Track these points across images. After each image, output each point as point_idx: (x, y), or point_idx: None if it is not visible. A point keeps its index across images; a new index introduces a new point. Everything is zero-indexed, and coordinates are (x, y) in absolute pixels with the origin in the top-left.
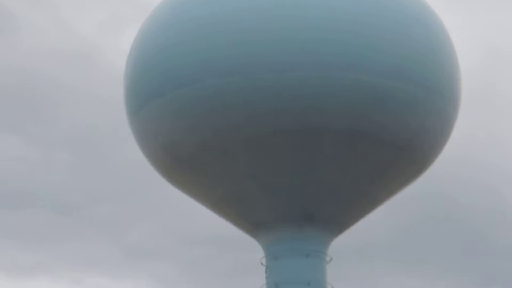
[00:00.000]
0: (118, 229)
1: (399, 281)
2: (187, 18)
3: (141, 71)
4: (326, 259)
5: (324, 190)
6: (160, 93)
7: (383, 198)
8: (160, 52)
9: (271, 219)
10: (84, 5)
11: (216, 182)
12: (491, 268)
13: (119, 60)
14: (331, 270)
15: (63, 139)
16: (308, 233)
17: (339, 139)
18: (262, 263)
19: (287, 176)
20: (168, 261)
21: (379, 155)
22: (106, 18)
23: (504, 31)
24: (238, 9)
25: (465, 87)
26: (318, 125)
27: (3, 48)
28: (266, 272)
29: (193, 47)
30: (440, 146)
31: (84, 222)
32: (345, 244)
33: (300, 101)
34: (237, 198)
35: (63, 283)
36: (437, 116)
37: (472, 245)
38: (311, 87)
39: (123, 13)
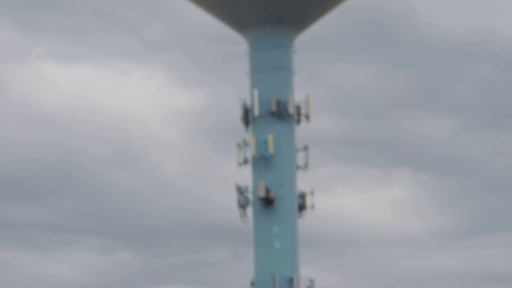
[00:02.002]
0: (140, 27)
1: (341, 66)
2: None
3: None
4: (292, 49)
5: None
6: None
7: (331, 7)
8: None
9: (253, 20)
10: None
11: None
12: (406, 54)
13: None
14: (297, 59)
15: None
16: (279, 31)
17: None
18: (246, 53)
19: None
20: (176, 51)
21: None
22: None
23: None
24: None
25: None
26: None
27: None
28: (249, 58)
29: None
30: None
31: (115, 22)
32: (307, 39)
33: None
34: (230, 5)
35: (99, 67)
36: None
37: (392, 36)
38: None
39: None
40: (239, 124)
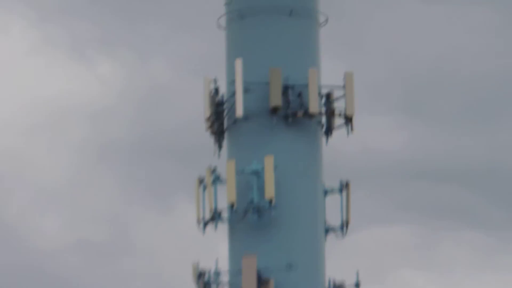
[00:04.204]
0: None
1: (409, 12)
2: None
3: None
4: None
5: None
6: None
7: None
8: None
9: None
10: None
11: None
12: None
13: None
14: None
15: None
16: None
17: None
18: None
19: None
20: None
21: None
22: None
23: None
24: None
25: None
26: None
27: None
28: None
29: None
30: None
31: None
32: None
33: None
34: None
35: None
36: None
37: None
38: None
39: None
40: (202, 135)
